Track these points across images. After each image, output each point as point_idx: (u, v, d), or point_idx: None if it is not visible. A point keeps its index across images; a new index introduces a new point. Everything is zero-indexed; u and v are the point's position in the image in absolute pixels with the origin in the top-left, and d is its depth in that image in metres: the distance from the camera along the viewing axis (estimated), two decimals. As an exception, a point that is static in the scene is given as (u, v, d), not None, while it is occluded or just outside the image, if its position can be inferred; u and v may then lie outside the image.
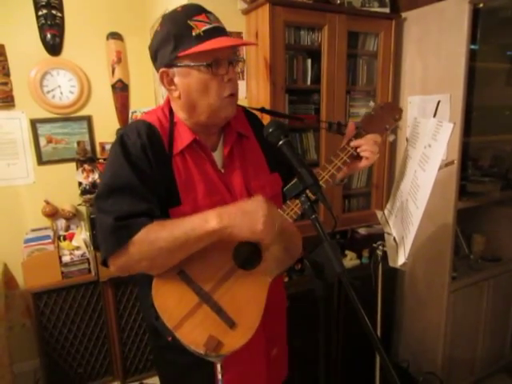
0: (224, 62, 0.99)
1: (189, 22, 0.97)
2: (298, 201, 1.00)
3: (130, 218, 0.92)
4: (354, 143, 1.13)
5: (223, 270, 0.99)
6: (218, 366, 1.01)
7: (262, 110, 1.33)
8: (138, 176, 0.97)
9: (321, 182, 1.07)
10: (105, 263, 0.97)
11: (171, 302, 0.94)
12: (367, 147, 1.11)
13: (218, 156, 1.11)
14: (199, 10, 1.00)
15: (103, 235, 0.95)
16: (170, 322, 0.92)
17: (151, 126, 1.03)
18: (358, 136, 1.15)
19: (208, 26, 0.97)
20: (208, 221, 0.91)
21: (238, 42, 1.03)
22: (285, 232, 1.00)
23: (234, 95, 1.04)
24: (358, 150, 1.12)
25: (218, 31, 0.99)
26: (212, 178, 1.06)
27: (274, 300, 1.03)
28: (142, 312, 2.20)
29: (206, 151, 1.08)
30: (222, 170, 1.10)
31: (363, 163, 1.13)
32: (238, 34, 2.00)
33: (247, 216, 0.92)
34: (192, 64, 0.98)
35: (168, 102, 1.11)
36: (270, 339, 1.17)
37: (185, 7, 1.01)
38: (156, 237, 0.91)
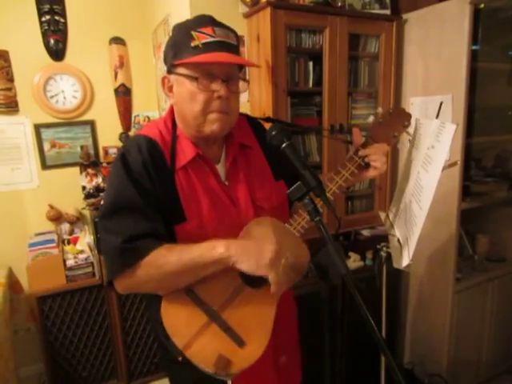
0: (217, 78, 0.96)
1: (192, 32, 0.95)
2: (305, 214, 1.00)
3: (136, 239, 0.92)
4: (362, 152, 1.10)
5: (231, 287, 0.99)
6: (229, 382, 1.01)
7: (268, 119, 1.29)
8: (141, 194, 0.96)
9: (328, 194, 1.05)
10: (111, 283, 0.97)
11: (180, 322, 0.94)
12: (377, 157, 1.08)
13: (221, 168, 1.09)
14: (208, 22, 0.97)
15: (109, 256, 0.95)
16: (179, 342, 0.92)
17: (152, 141, 1.01)
18: (365, 145, 1.12)
19: (209, 39, 0.95)
20: (216, 248, 0.91)
21: (233, 60, 0.97)
22: (295, 262, 0.99)
23: (221, 113, 0.99)
24: (367, 159, 1.09)
25: (221, 46, 0.96)
26: (216, 192, 1.04)
27: (282, 309, 1.02)
28: (151, 322, 2.18)
29: (209, 164, 1.06)
30: (226, 183, 1.08)
31: (371, 173, 1.10)
32: (240, 38, 2.00)
33: (255, 250, 0.92)
34: (185, 73, 0.98)
35: (170, 112, 1.09)
36: (278, 348, 1.15)
37: (197, 17, 1.00)
38: (164, 261, 0.91)
